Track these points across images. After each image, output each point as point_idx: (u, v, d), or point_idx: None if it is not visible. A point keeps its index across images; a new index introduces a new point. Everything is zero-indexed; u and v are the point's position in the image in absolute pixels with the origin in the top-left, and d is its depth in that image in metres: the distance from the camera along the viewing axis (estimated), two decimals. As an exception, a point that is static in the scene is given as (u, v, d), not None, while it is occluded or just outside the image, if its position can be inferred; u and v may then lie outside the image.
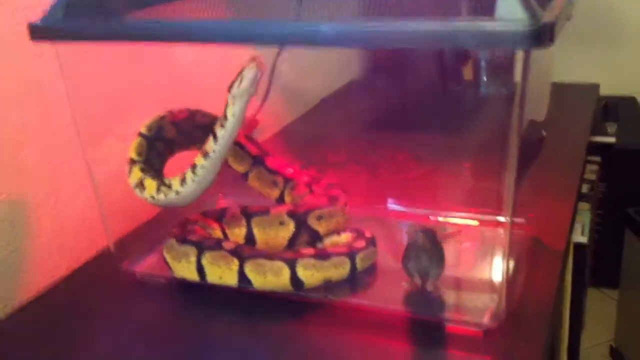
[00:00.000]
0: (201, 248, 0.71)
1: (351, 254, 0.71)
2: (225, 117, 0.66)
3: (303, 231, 0.76)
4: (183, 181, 0.71)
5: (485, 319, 0.63)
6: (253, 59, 0.65)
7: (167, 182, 0.72)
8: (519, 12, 0.48)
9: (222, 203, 0.93)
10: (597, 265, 1.83)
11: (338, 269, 0.70)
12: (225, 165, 0.84)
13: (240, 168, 0.84)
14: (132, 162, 0.75)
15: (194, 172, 0.70)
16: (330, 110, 1.27)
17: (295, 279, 0.69)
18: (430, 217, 0.83)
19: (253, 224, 0.76)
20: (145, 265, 0.78)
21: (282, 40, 0.66)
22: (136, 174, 0.74)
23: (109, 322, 0.70)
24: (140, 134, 0.76)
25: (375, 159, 1.00)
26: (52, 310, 0.73)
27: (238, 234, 0.77)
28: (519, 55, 0.53)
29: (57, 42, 0.68)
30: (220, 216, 0.78)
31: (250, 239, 0.76)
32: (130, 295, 0.75)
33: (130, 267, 0.77)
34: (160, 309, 0.73)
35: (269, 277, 0.69)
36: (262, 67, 0.64)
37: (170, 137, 0.78)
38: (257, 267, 0.69)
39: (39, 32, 0.65)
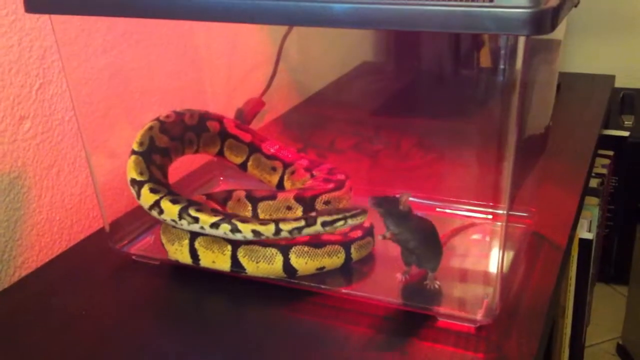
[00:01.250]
0: (195, 232, 0.70)
1: (346, 243, 0.70)
2: (299, 230, 0.65)
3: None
4: (215, 225, 0.67)
5: (478, 314, 0.61)
6: (364, 210, 0.65)
7: (192, 213, 0.67)
8: (519, -3, 0.46)
9: (223, 186, 0.92)
10: (608, 261, 1.80)
11: (332, 258, 0.69)
12: (224, 158, 0.83)
13: (237, 159, 0.83)
14: (137, 183, 0.71)
15: (232, 232, 0.66)
16: (338, 93, 1.25)
17: (288, 266, 0.68)
18: (437, 209, 0.82)
19: (259, 209, 0.75)
20: (139, 247, 0.77)
21: (291, 20, 0.64)
22: (148, 196, 0.70)
23: (100, 299, 0.70)
24: (134, 152, 0.73)
25: (379, 146, 0.99)
26: (46, 286, 0.72)
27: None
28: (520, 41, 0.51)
29: (52, 14, 0.66)
30: (225, 199, 0.76)
31: None
32: (123, 274, 0.74)
33: (125, 247, 0.77)
34: (151, 289, 0.72)
35: (262, 263, 0.68)
36: (365, 217, 0.65)
37: (164, 147, 0.75)
38: (250, 253, 0.68)
39: (33, 2, 0.63)
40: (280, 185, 0.82)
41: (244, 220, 0.66)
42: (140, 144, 0.73)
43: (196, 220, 0.67)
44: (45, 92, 0.79)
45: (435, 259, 0.65)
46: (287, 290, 0.69)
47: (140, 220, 0.79)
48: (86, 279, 0.74)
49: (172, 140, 0.77)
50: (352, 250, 0.70)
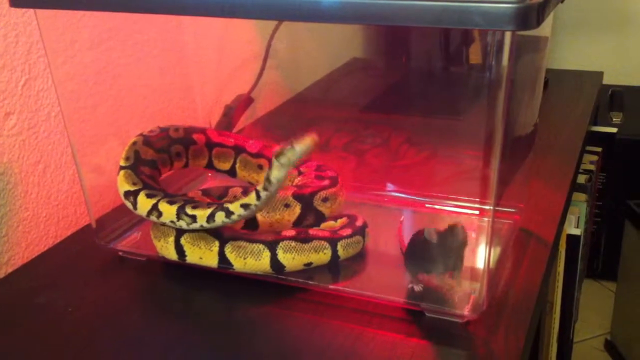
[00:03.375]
0: (181, 229, 0.69)
1: (332, 240, 0.69)
2: (269, 181, 0.62)
3: (308, 213, 0.74)
4: (211, 218, 0.66)
5: (465, 310, 0.61)
6: (310, 134, 0.62)
7: (189, 212, 0.67)
8: (505, -8, 0.46)
9: (211, 182, 0.92)
10: (596, 257, 1.81)
11: (319, 254, 0.69)
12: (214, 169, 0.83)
13: (225, 165, 0.83)
14: (132, 193, 0.71)
15: (227, 217, 0.66)
16: (328, 89, 1.24)
17: (275, 262, 0.68)
18: (426, 204, 0.82)
19: None
20: (126, 243, 0.77)
21: (279, 15, 0.64)
22: (145, 202, 0.69)
23: (86, 296, 0.69)
24: (122, 167, 0.73)
25: (368, 144, 0.98)
26: (32, 282, 0.72)
27: None
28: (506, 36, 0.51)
29: (37, 9, 0.66)
30: (220, 196, 0.76)
31: (251, 222, 0.73)
32: (110, 271, 0.74)
33: (111, 244, 0.76)
34: (138, 286, 0.72)
35: (249, 259, 0.68)
36: (315, 143, 0.61)
37: (150, 159, 0.75)
38: (238, 249, 0.68)
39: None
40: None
41: (230, 202, 0.67)
42: (127, 158, 0.74)
43: (194, 218, 0.67)
44: (31, 87, 0.78)
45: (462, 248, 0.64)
46: (276, 287, 0.68)
47: (127, 217, 0.78)
48: (72, 275, 0.73)
49: (157, 152, 0.77)
50: (339, 247, 0.69)
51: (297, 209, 0.73)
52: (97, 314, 0.67)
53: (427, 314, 0.63)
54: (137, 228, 0.78)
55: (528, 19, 0.46)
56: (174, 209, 0.68)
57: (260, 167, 0.82)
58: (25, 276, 0.74)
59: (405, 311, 0.64)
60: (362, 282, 0.70)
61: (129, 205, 0.71)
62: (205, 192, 0.76)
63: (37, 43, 0.78)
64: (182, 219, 0.67)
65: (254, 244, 0.68)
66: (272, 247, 0.68)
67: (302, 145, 0.60)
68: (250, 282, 0.69)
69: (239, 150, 0.82)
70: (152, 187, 0.72)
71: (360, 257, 0.72)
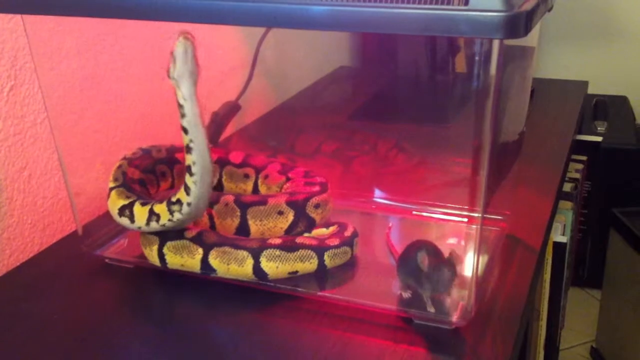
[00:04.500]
0: (164, 238, 0.69)
1: (319, 250, 0.69)
2: (180, 105, 0.61)
3: (301, 220, 0.73)
4: (187, 188, 0.64)
5: (453, 317, 0.61)
6: (181, 33, 0.61)
7: (173, 199, 0.66)
8: (493, 0, 0.46)
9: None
10: (581, 265, 1.83)
11: (304, 263, 0.68)
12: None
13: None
14: (127, 206, 0.69)
15: (190, 173, 0.63)
16: (315, 97, 1.25)
17: (258, 270, 0.67)
18: (413, 212, 0.82)
19: (248, 215, 0.73)
20: (113, 250, 0.77)
21: (268, 22, 0.64)
22: (141, 211, 0.68)
23: (72, 303, 0.69)
24: (112, 188, 0.72)
25: (355, 152, 0.99)
26: (17, 290, 0.71)
27: (230, 224, 0.73)
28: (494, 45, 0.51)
29: (24, 14, 0.65)
30: (211, 203, 0.74)
31: (243, 230, 0.73)
32: (96, 278, 0.73)
33: (97, 250, 0.76)
34: (124, 293, 0.71)
35: (232, 265, 0.67)
36: (192, 39, 0.59)
37: (138, 178, 0.75)
38: (222, 255, 0.68)
39: (5, 2, 0.62)
40: (255, 191, 0.82)
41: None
42: (115, 179, 0.73)
43: (158, 216, 0.66)
44: (17, 93, 0.78)
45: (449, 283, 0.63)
46: (263, 293, 0.68)
47: (113, 224, 0.78)
48: (58, 283, 0.73)
49: (144, 172, 0.76)
50: (326, 257, 0.69)
51: (290, 216, 0.73)
52: (83, 322, 0.66)
53: (415, 321, 0.63)
54: (123, 235, 0.78)
55: (516, 27, 0.46)
56: (164, 206, 0.67)
57: (247, 176, 0.82)
58: (10, 283, 0.73)
59: (394, 318, 0.64)
60: (350, 289, 0.70)
61: (125, 221, 0.70)
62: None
63: (23, 49, 0.77)
64: (174, 209, 0.66)
65: (239, 251, 0.67)
66: (255, 254, 0.67)
67: (178, 46, 0.58)
68: (237, 289, 0.69)
69: (222, 162, 0.82)
70: (145, 197, 0.71)
71: (348, 264, 0.72)
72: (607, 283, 1.57)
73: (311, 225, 0.74)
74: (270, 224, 0.72)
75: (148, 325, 0.66)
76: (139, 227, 0.69)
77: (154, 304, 0.70)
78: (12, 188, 0.79)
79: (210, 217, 0.73)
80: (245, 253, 0.67)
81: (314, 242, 0.69)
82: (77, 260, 0.76)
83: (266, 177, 0.81)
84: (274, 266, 0.67)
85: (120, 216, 0.70)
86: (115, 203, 0.71)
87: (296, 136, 1.04)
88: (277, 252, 0.67)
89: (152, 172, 0.77)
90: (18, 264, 0.77)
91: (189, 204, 0.65)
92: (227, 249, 0.67)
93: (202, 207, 0.66)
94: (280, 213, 0.73)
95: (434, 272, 0.61)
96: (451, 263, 0.61)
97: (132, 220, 0.69)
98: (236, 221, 0.73)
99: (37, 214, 0.82)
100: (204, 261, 0.68)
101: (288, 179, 0.81)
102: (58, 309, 0.68)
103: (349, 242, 0.71)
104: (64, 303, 0.69)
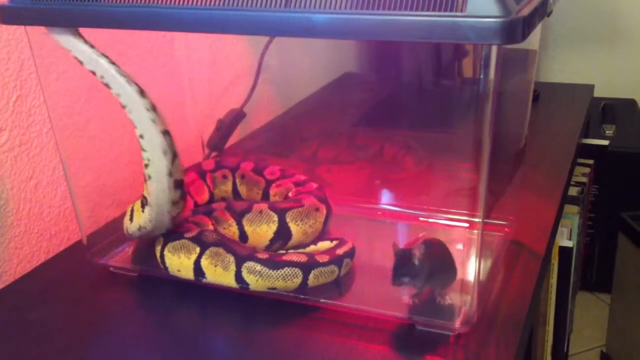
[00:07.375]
0: (166, 239, 0.70)
1: (306, 267, 0.67)
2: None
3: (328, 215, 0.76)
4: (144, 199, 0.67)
5: (456, 323, 0.61)
6: None
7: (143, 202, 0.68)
8: (490, 6, 0.46)
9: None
10: (590, 269, 1.81)
11: (286, 282, 0.67)
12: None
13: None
14: (137, 210, 0.71)
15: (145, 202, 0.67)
16: (320, 103, 1.25)
17: (240, 279, 0.67)
18: (420, 218, 0.82)
19: (288, 218, 0.74)
20: (118, 259, 0.77)
21: (271, 31, 0.64)
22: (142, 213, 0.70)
23: (77, 312, 0.69)
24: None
25: (362, 159, 0.99)
26: (23, 299, 0.72)
27: (266, 231, 0.74)
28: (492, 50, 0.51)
29: (28, 26, 0.66)
30: (208, 212, 0.76)
31: (282, 235, 0.74)
32: (101, 287, 0.73)
33: (102, 259, 0.76)
34: (129, 302, 0.72)
35: (219, 269, 0.68)
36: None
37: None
38: (213, 255, 0.68)
39: (9, 14, 0.63)
40: (265, 197, 0.83)
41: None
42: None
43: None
44: (22, 104, 0.79)
45: (449, 277, 0.64)
46: (266, 301, 0.68)
47: (118, 232, 0.78)
48: (64, 291, 0.73)
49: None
50: (311, 276, 0.67)
51: (324, 211, 0.76)
52: (89, 330, 0.66)
53: (418, 327, 0.63)
54: (128, 243, 0.78)
55: (514, 33, 0.46)
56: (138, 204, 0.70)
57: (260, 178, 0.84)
58: (16, 292, 0.73)
59: (397, 324, 0.64)
60: (353, 295, 0.70)
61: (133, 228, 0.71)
62: (193, 211, 0.77)
63: (29, 59, 0.78)
64: (145, 211, 0.68)
65: (227, 255, 0.68)
66: (238, 263, 0.67)
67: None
68: (241, 298, 0.69)
69: (234, 169, 0.85)
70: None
71: (351, 271, 0.72)
72: (616, 287, 1.56)
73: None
74: (311, 221, 0.74)
75: (152, 334, 0.66)
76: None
77: (158, 313, 0.70)
78: (19, 198, 0.79)
79: (240, 226, 0.74)
80: (231, 258, 0.67)
81: (303, 259, 0.67)
82: (83, 269, 0.76)
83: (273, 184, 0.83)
84: (254, 279, 0.66)
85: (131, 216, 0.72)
86: (133, 218, 0.72)
87: (300, 143, 1.04)
88: (258, 267, 0.66)
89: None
90: (25, 272, 0.77)
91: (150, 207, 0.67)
92: (220, 250, 0.68)
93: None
94: (317, 210, 0.75)
95: (411, 256, 0.61)
96: (427, 245, 0.62)
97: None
98: (273, 227, 0.73)
99: (44, 223, 0.83)
100: (197, 262, 0.68)
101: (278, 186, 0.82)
102: (64, 317, 0.68)
103: (338, 262, 0.69)
104: (70, 311, 0.69)
